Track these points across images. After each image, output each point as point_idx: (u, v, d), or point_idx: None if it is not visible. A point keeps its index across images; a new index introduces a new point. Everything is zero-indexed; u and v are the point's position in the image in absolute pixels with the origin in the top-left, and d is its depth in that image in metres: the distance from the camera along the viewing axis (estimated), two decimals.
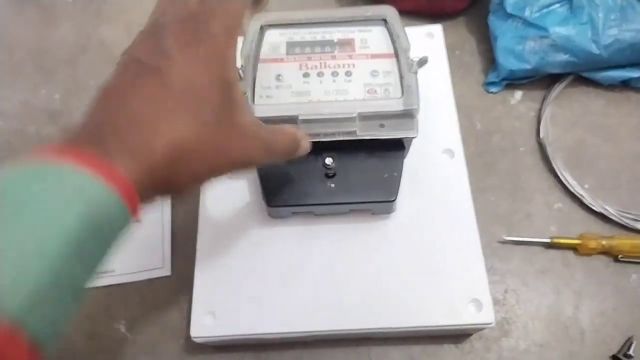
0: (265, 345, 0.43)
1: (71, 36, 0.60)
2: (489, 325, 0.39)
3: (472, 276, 0.40)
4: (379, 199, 0.40)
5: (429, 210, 0.43)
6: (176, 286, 0.46)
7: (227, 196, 0.44)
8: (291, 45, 0.43)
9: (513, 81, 0.53)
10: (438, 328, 0.40)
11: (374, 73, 0.41)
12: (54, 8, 0.62)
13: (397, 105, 0.39)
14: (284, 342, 0.42)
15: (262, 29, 0.43)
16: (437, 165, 0.44)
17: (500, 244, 0.47)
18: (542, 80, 0.53)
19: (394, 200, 0.40)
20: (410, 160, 0.42)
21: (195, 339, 0.39)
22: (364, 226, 0.42)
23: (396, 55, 0.42)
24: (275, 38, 0.43)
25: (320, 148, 0.40)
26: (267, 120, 0.39)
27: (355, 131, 0.39)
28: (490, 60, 0.55)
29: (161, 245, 0.48)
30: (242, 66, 0.41)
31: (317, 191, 0.40)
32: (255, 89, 0.41)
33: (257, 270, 0.41)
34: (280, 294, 0.40)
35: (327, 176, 0.40)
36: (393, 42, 0.42)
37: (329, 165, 0.40)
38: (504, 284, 0.45)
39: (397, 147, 0.41)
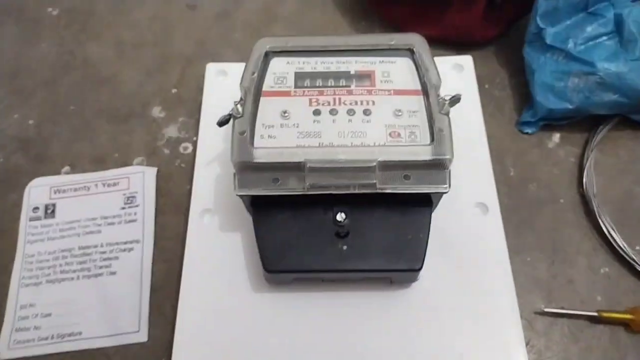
0: None
1: (53, 54, 0.53)
2: None
3: (509, 356, 0.33)
4: (401, 267, 0.33)
5: (458, 277, 0.36)
6: (153, 355, 0.39)
7: (219, 251, 0.37)
8: (300, 77, 0.36)
9: (551, 122, 0.46)
10: None
11: (397, 112, 0.34)
12: (37, 22, 0.56)
13: (425, 154, 0.32)
14: None
15: (267, 55, 0.36)
16: (468, 222, 0.38)
17: (537, 316, 0.40)
18: (583, 121, 0.46)
19: (419, 270, 0.33)
20: (437, 216, 0.36)
21: None
22: (381, 296, 0.35)
23: (424, 91, 0.35)
24: (281, 67, 0.37)
25: (330, 201, 0.33)
26: (268, 167, 0.32)
27: (375, 184, 0.32)
28: (524, 97, 0.48)
29: (138, 305, 0.40)
30: (241, 99, 0.34)
31: (325, 254, 0.33)
32: (256, 127, 0.34)
33: (249, 344, 0.34)
34: None
35: (339, 236, 0.33)
36: (420, 76, 0.36)
37: (340, 222, 0.33)
38: None
39: (424, 202, 0.34)
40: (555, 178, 0.45)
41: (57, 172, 0.46)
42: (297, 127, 0.34)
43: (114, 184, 0.45)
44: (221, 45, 0.53)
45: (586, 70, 0.43)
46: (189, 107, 0.48)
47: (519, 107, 0.48)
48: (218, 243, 0.37)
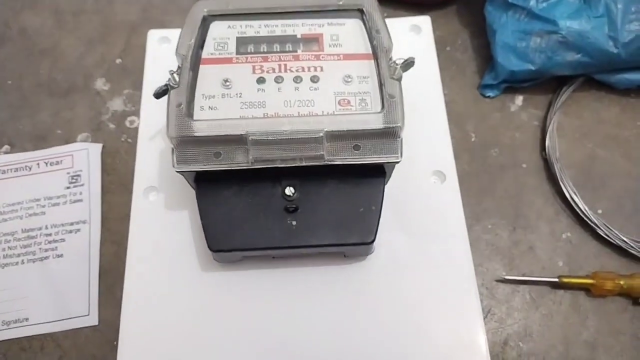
0: None
1: None
2: None
3: (467, 325, 0.33)
4: (353, 241, 0.31)
5: (413, 249, 0.35)
6: (105, 338, 0.37)
7: (165, 230, 0.35)
8: (242, 42, 0.33)
9: (513, 84, 0.45)
10: None
11: (347, 79, 0.32)
12: None
13: (376, 122, 0.30)
14: None
15: (206, 20, 0.34)
16: (424, 192, 0.36)
17: (498, 283, 0.39)
18: (547, 83, 0.45)
19: (371, 243, 0.31)
20: (392, 186, 0.34)
21: None
22: (335, 271, 0.34)
23: (375, 55, 0.33)
24: (222, 32, 0.34)
25: (278, 174, 0.31)
26: (209, 141, 0.30)
27: (323, 155, 0.30)
28: (486, 59, 0.46)
29: (87, 288, 0.39)
30: (178, 68, 0.32)
31: (274, 231, 0.31)
32: (195, 98, 0.31)
33: (199, 325, 0.33)
34: (226, 356, 0.32)
35: (287, 211, 0.32)
36: (371, 39, 0.33)
37: (289, 196, 0.32)
38: (504, 333, 0.38)
39: (376, 173, 0.32)
40: (517, 142, 0.44)
41: None
42: (240, 96, 0.32)
43: (57, 163, 0.43)
44: (168, 12, 0.50)
45: (548, 29, 0.41)
46: (135, 78, 0.46)
47: (481, 70, 0.46)
48: (164, 222, 0.35)
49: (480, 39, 0.47)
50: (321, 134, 0.30)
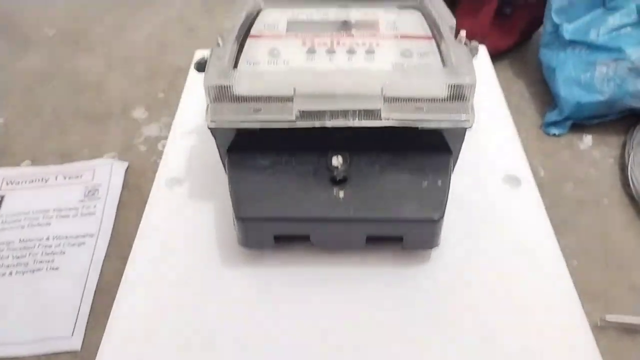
0: None
1: (41, 65, 0.51)
2: None
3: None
4: (416, 216, 0.25)
5: (490, 257, 0.27)
6: None
7: (187, 221, 0.29)
8: (293, 24, 0.32)
9: (580, 120, 0.41)
10: None
11: (406, 53, 0.29)
12: (32, 41, 0.54)
13: (441, 82, 0.26)
14: None
15: (256, 5, 0.33)
16: (497, 198, 0.30)
17: (597, 328, 0.30)
18: (615, 121, 0.41)
19: (439, 220, 0.25)
20: (458, 187, 0.28)
21: None
22: (390, 271, 0.27)
23: (435, 36, 0.30)
24: (273, 17, 0.32)
25: (324, 143, 0.27)
26: (253, 100, 0.26)
27: (379, 111, 0.26)
28: (546, 103, 0.43)
29: (77, 306, 0.32)
30: (219, 42, 0.30)
31: (315, 200, 0.25)
32: (239, 62, 0.29)
33: (213, 331, 0.25)
34: None
35: (334, 181, 0.26)
36: (432, 25, 0.31)
37: (337, 168, 0.26)
38: None
39: (442, 143, 0.27)
40: (593, 178, 0.38)
41: (15, 165, 0.40)
42: (288, 64, 0.29)
43: (77, 177, 0.39)
44: None
45: (615, 57, 0.39)
46: (175, 108, 0.44)
47: (541, 113, 0.43)
48: (185, 216, 0.30)
49: (537, 87, 0.45)
50: (379, 88, 0.26)
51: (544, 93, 0.44)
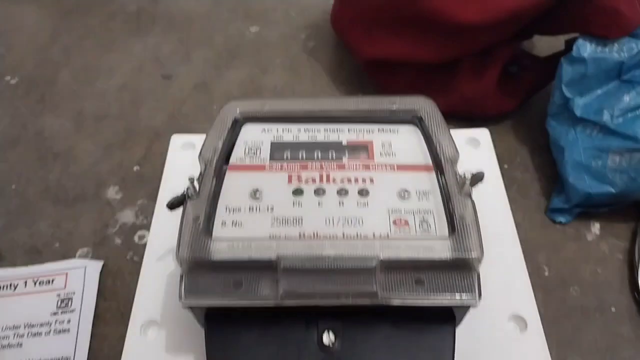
0: None
1: (2, 126, 0.46)
2: None
3: None
4: None
5: None
6: None
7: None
8: (277, 148, 0.28)
9: (588, 209, 0.38)
10: None
11: (403, 193, 0.26)
12: None
13: (443, 250, 0.23)
14: None
15: (236, 122, 0.29)
16: (501, 342, 0.28)
17: None
18: (626, 208, 0.38)
19: None
20: (459, 333, 0.26)
21: None
22: None
23: (437, 166, 0.27)
24: (255, 136, 0.29)
25: (313, 315, 0.24)
26: (230, 267, 0.23)
27: (376, 292, 0.23)
28: (551, 179, 0.40)
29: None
30: (199, 175, 0.26)
31: None
32: (217, 211, 0.25)
33: None
34: None
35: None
36: (432, 147, 0.28)
37: (328, 346, 0.24)
38: None
39: (443, 317, 0.25)
40: (600, 280, 0.36)
41: None
42: (272, 211, 0.26)
43: (48, 282, 0.36)
44: (196, 119, 0.46)
45: (629, 147, 0.36)
46: (152, 187, 0.40)
47: (547, 192, 0.40)
48: None
49: (542, 157, 0.42)
50: (374, 263, 0.23)
51: (550, 164, 0.41)
